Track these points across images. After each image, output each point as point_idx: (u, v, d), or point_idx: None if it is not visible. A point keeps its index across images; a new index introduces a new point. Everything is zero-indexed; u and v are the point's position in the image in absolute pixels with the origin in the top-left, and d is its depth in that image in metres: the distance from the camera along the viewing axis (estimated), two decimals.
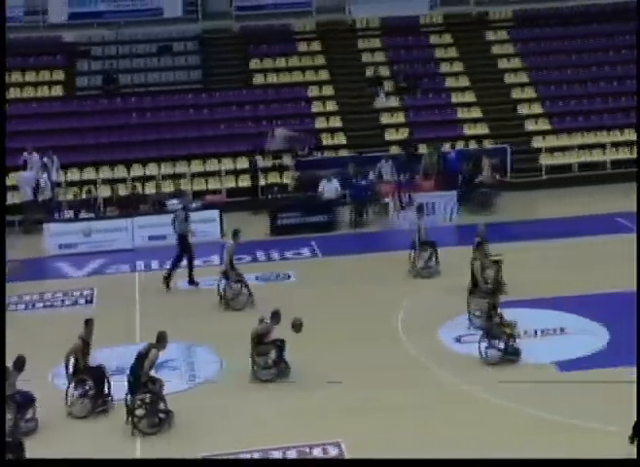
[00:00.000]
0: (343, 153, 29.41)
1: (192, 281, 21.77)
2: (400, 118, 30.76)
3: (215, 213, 25.22)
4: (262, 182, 28.18)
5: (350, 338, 18.52)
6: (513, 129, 30.56)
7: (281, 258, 23.96)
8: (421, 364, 17.72)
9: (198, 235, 22.87)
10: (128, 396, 15.37)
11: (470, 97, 31.43)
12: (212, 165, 28.94)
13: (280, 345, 16.92)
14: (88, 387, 16.04)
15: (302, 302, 21.03)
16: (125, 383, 15.50)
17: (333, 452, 14.44)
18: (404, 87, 31.45)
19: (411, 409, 15.77)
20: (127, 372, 15.62)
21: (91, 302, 21.35)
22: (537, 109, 31.05)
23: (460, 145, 29.33)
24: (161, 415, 15.42)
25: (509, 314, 18.72)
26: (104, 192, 27.37)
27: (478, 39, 33.50)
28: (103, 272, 23.23)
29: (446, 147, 29.11)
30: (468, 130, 30.35)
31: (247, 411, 15.82)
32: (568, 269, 21.63)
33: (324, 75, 31.94)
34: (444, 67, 32.40)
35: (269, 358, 16.90)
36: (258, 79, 31.71)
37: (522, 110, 31.05)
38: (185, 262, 21.76)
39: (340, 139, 30.00)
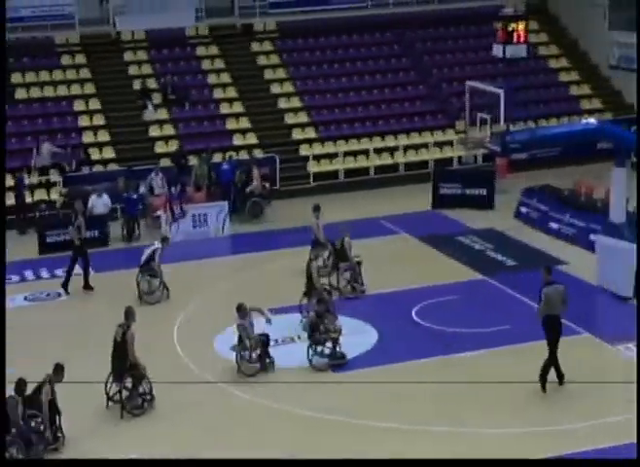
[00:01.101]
0: (113, 167, 29.07)
1: (87, 286, 22.43)
2: (169, 130, 30.76)
3: None
4: (28, 199, 27.44)
5: None
6: (281, 139, 31.18)
7: (51, 276, 23.47)
8: (193, 373, 17.87)
9: None
10: (111, 383, 16.29)
11: (238, 108, 31.82)
12: None
13: (265, 341, 17.75)
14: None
15: (75, 319, 20.78)
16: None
17: None
18: (172, 99, 31.45)
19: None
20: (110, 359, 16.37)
21: None
22: (303, 118, 31.82)
23: (230, 155, 29.60)
24: (145, 397, 16.35)
25: (285, 320, 19.25)
26: None
27: (244, 50, 33.96)
28: None
29: (217, 158, 29.38)
30: (237, 141, 30.72)
31: None
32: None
33: (90, 88, 31.47)
34: (212, 78, 32.65)
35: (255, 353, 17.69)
36: (20, 93, 30.87)
37: (289, 119, 31.74)
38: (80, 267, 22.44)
39: (109, 153, 29.65)
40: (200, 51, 33.50)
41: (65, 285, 22.39)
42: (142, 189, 27.19)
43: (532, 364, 17.47)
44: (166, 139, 30.36)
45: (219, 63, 33.18)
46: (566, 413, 16.29)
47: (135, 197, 26.68)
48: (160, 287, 21.72)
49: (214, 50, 33.61)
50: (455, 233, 25.70)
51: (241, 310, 17.85)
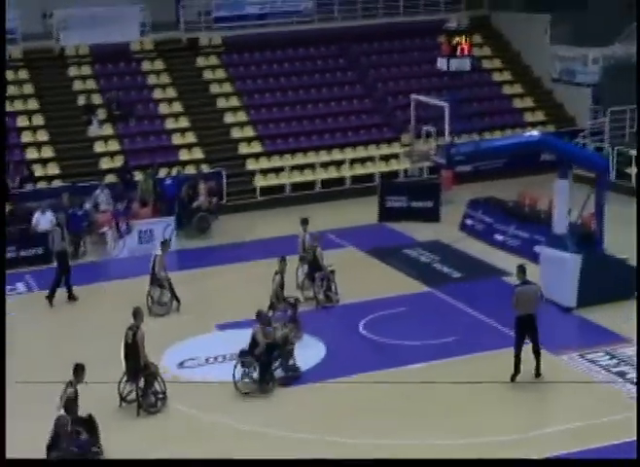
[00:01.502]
0: (57, 183, 28.82)
1: (71, 296, 22.42)
2: (114, 145, 30.57)
3: None
4: None
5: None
6: (227, 153, 31.15)
7: None
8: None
9: None
10: (124, 383, 16.73)
11: (184, 123, 31.74)
12: None
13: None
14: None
15: (23, 337, 20.54)
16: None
17: None
18: (117, 114, 31.28)
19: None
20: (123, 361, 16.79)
21: None
22: (249, 132, 31.82)
23: (176, 170, 29.50)
24: (159, 396, 16.83)
25: (232, 335, 19.18)
26: None
27: (189, 65, 33.91)
28: None
29: (163, 173, 29.26)
30: (183, 156, 30.63)
31: None
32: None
33: (33, 104, 31.19)
34: (158, 93, 32.54)
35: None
36: None
37: (235, 134, 31.72)
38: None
39: (54, 169, 29.39)
40: (146, 65, 33.38)
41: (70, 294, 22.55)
42: (87, 205, 26.97)
43: (478, 375, 17.63)
44: (112, 155, 30.18)
45: (164, 78, 33.08)
46: (507, 423, 16.41)
47: (80, 213, 26.45)
48: (170, 298, 21.61)
49: (159, 64, 33.52)
50: (402, 246, 25.84)
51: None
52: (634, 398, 17.05)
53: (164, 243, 22.18)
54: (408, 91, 31.25)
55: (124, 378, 16.97)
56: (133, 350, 16.76)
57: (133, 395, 16.92)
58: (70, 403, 14.89)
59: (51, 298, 22.38)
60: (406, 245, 25.85)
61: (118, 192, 27.74)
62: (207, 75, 33.54)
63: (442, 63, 29.83)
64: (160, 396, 16.97)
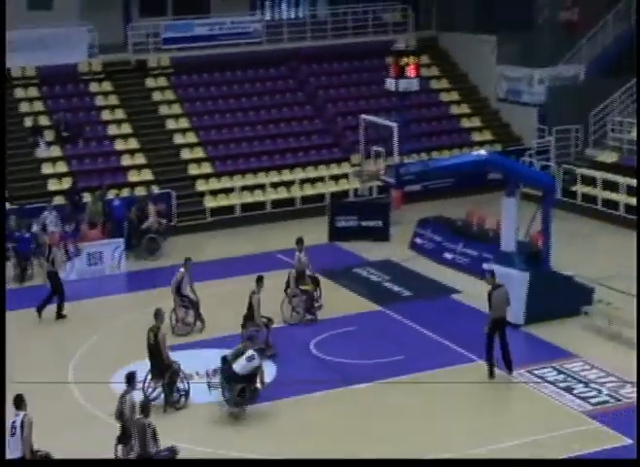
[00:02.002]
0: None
1: (60, 315, 22.60)
2: (62, 167, 30.34)
3: None
4: None
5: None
6: (177, 174, 31.04)
7: None
8: (88, 412, 17.60)
9: None
10: (149, 382, 17.43)
11: (133, 144, 31.61)
12: None
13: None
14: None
15: None
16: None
17: None
18: (65, 136, 31.09)
19: None
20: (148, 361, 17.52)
21: None
22: (199, 153, 31.78)
23: (126, 192, 29.37)
24: (182, 393, 17.58)
25: (183, 355, 19.09)
26: None
27: (138, 86, 33.80)
28: None
29: (112, 194, 29.09)
30: (133, 177, 30.49)
31: None
32: (230, 307, 21.94)
33: None
34: (106, 115, 32.38)
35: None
36: None
37: (185, 155, 31.67)
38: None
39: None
40: (94, 87, 33.22)
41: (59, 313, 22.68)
42: (35, 227, 26.69)
43: (428, 392, 17.72)
44: (60, 176, 29.95)
45: (113, 99, 32.96)
46: (457, 440, 16.50)
47: (28, 235, 26.19)
48: (194, 318, 21.60)
49: (108, 86, 33.37)
50: (352, 266, 25.92)
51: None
52: (583, 412, 17.26)
53: (187, 260, 21.83)
54: (357, 112, 31.47)
55: (149, 377, 17.63)
56: (156, 350, 17.47)
57: (155, 394, 17.57)
58: (146, 406, 15.03)
59: (40, 311, 22.68)
60: (356, 265, 25.94)
61: (66, 213, 27.49)
62: (156, 96, 33.47)
63: (390, 84, 30.12)
64: (183, 393, 17.75)
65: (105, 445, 15.47)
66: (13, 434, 14.11)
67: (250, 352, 17.47)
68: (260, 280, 20.34)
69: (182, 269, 21.75)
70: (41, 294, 24.55)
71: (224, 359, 17.73)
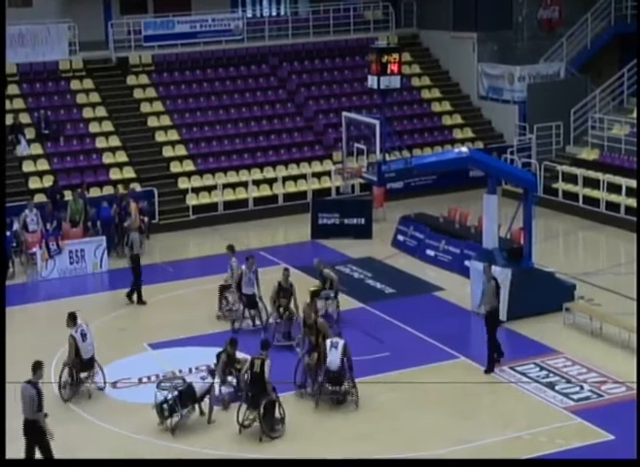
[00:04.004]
0: None
1: (140, 300, 23.13)
2: (43, 165, 30.22)
3: None
4: None
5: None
6: (158, 172, 30.99)
7: None
8: (70, 409, 17.57)
9: None
10: (245, 410, 16.74)
11: (115, 142, 31.52)
12: None
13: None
14: None
15: None
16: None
17: None
18: (46, 133, 30.96)
19: None
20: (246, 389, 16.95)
21: None
22: (181, 151, 31.73)
23: (107, 190, 29.28)
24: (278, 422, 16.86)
25: (162, 354, 19.02)
26: None
27: (119, 84, 33.70)
28: None
29: (94, 192, 29.00)
30: (114, 175, 30.41)
31: None
32: (211, 305, 22.03)
33: None
34: (87, 113, 32.27)
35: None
36: None
37: (167, 153, 31.61)
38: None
39: None
40: (75, 84, 33.10)
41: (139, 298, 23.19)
42: (15, 225, 26.58)
43: (412, 389, 17.76)
44: (40, 174, 29.82)
45: (94, 97, 32.84)
46: (442, 436, 16.53)
47: (8, 234, 26.07)
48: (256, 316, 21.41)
49: (89, 83, 33.26)
50: (334, 263, 25.91)
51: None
52: (566, 408, 17.35)
53: (250, 258, 21.35)
54: (338, 109, 31.52)
55: (245, 406, 16.81)
56: (260, 379, 16.64)
57: (248, 421, 16.76)
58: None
59: (130, 296, 23.26)
60: (338, 262, 25.96)
61: (47, 212, 27.39)
62: (137, 94, 33.38)
63: (372, 81, 30.08)
64: (279, 421, 16.91)
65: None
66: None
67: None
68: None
69: (243, 267, 21.34)
70: (22, 292, 24.53)
71: (218, 356, 17.92)
